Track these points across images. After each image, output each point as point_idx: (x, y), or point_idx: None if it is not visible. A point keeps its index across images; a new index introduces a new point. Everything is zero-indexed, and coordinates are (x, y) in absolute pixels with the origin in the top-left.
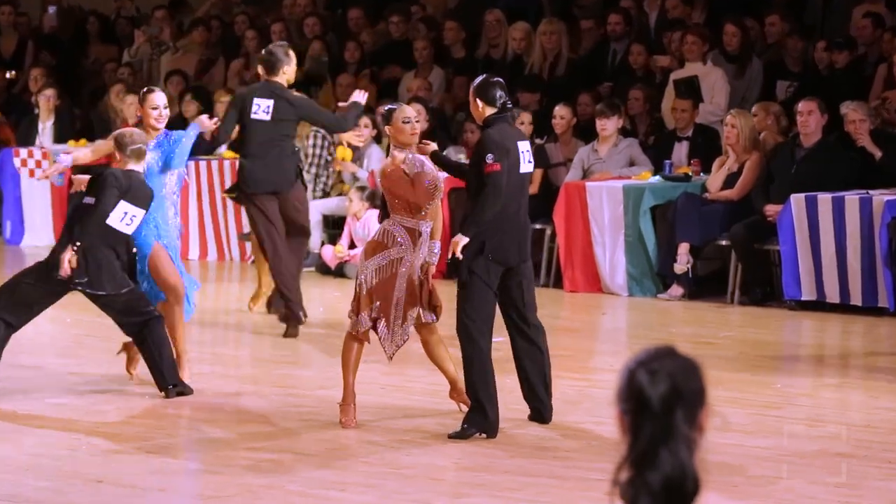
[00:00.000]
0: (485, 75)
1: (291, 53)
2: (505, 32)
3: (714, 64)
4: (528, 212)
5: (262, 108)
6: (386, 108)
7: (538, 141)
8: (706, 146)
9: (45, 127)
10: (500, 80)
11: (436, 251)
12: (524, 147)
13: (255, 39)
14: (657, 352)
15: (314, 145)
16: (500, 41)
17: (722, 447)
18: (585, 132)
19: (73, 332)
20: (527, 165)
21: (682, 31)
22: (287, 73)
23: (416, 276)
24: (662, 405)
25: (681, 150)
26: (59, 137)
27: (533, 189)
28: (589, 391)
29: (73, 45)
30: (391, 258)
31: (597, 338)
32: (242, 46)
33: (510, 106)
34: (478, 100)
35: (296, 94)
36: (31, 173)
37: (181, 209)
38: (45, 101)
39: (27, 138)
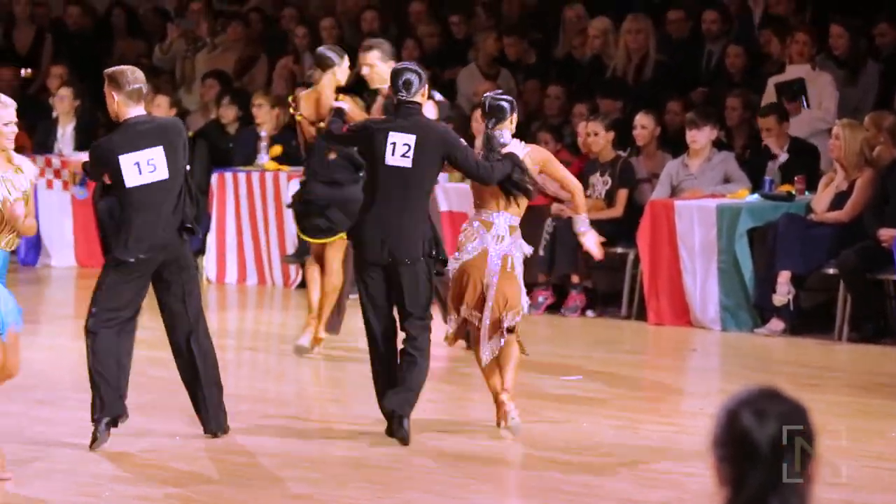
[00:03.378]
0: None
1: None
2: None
3: (821, 69)
4: (408, 212)
5: None
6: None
7: (621, 154)
8: (802, 165)
9: (65, 132)
10: (410, 67)
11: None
12: (401, 139)
13: (307, 38)
14: (761, 392)
15: None
16: (582, 40)
17: (830, 503)
18: (674, 144)
19: None
20: (396, 159)
21: (787, 29)
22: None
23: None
24: (772, 450)
25: (774, 171)
26: (81, 144)
27: (616, 211)
28: (676, 437)
29: (97, 40)
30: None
31: (685, 377)
32: (289, 43)
33: (404, 98)
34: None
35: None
36: (50, 184)
37: (218, 226)
38: (61, 103)
39: (45, 144)
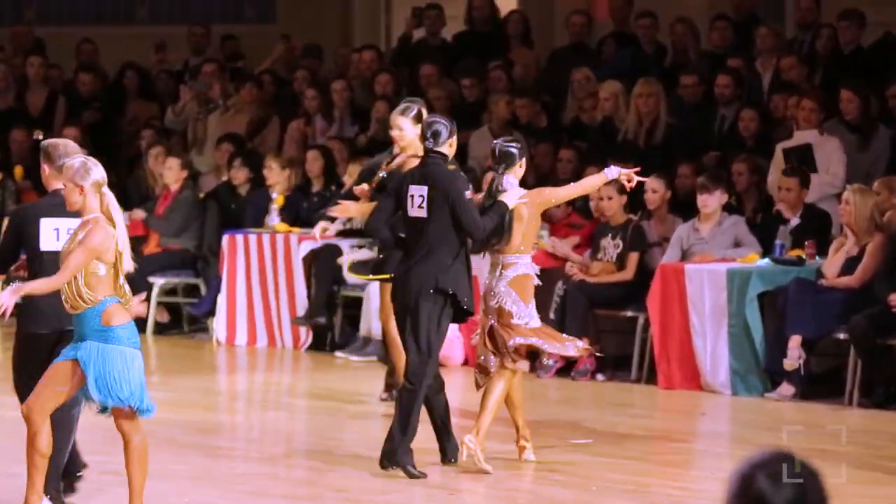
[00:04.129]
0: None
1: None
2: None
3: (829, 134)
4: (429, 258)
5: None
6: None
7: (633, 217)
8: (813, 230)
9: None
10: (439, 120)
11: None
12: (417, 191)
13: (317, 99)
14: (775, 455)
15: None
16: (593, 103)
17: None
18: (685, 207)
19: (108, 423)
20: (415, 210)
21: (796, 95)
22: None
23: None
24: None
25: (785, 235)
26: None
27: (627, 275)
28: (686, 501)
29: (109, 102)
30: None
31: (695, 442)
32: (301, 105)
33: (430, 147)
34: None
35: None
36: None
37: (228, 288)
38: None
39: None
